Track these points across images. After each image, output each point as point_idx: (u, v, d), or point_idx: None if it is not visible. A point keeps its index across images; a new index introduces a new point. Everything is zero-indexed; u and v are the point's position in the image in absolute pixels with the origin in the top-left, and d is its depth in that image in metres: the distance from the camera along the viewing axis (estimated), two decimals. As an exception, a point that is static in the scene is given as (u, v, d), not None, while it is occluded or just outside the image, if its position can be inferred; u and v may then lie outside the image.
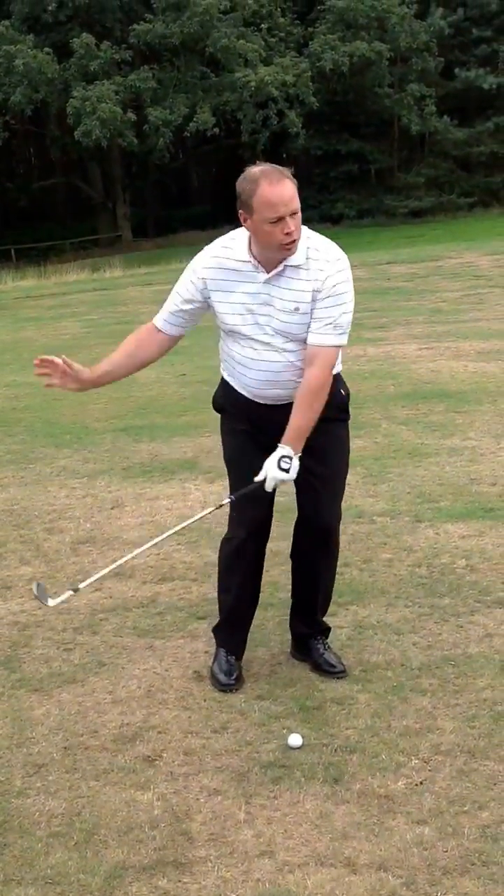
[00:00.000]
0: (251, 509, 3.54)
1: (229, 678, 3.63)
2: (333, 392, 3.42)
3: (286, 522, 3.81)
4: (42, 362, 3.48)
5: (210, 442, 7.38)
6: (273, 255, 3.26)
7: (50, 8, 39.08)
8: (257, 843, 2.75)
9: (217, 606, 3.84)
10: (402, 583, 4.47)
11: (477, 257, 22.04)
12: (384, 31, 40.62)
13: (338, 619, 3.94)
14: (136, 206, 47.57)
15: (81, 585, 3.51)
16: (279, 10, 42.60)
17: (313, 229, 3.41)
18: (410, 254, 24.71)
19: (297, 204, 3.18)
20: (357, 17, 40.35)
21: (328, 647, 3.76)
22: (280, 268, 3.28)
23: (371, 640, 3.92)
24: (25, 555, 5.27)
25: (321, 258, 3.28)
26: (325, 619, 3.81)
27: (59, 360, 3.46)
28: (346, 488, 3.77)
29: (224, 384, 3.63)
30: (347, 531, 3.81)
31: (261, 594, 3.82)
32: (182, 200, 51.12)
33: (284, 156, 41.06)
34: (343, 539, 3.84)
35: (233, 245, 3.36)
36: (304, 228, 3.30)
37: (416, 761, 3.08)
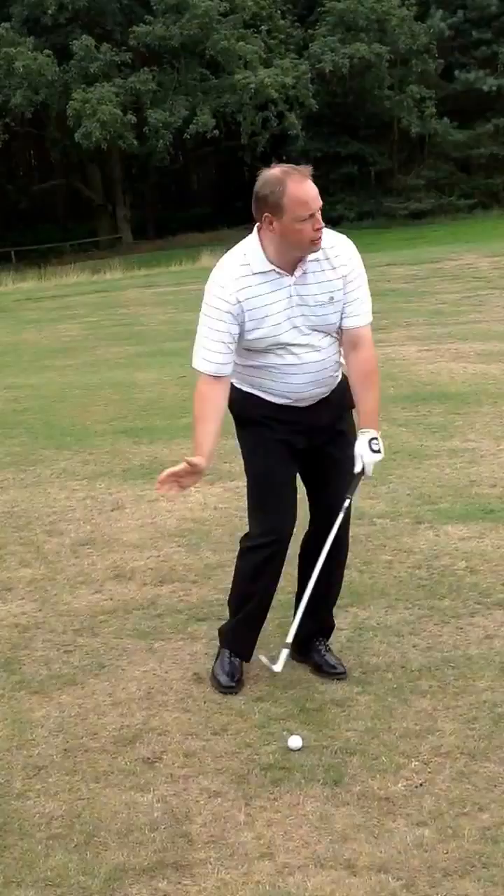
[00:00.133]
0: (284, 515, 3.51)
1: (231, 680, 3.63)
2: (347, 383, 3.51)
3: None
4: (169, 477, 3.29)
5: (210, 444, 7.38)
6: (300, 254, 3.28)
7: (50, 10, 39.10)
8: (257, 844, 2.75)
9: (217, 608, 3.84)
10: (402, 584, 4.47)
11: (477, 259, 22.06)
12: (384, 33, 40.64)
13: (338, 620, 3.94)
14: (136, 207, 47.60)
15: (288, 639, 3.46)
16: (279, 12, 42.64)
17: None
18: (410, 255, 24.73)
19: (320, 199, 3.23)
20: (357, 19, 40.38)
21: (329, 648, 3.76)
22: (304, 265, 3.30)
23: (371, 642, 3.92)
24: (25, 556, 5.27)
25: (337, 245, 3.36)
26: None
27: (182, 466, 3.28)
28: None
29: (249, 397, 3.51)
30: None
31: None
32: (182, 202, 51.13)
33: (284, 158, 41.03)
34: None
35: (248, 259, 3.31)
36: None
37: (417, 763, 3.08)
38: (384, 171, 44.24)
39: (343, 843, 2.73)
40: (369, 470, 3.43)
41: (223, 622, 3.85)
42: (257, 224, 3.34)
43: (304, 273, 3.31)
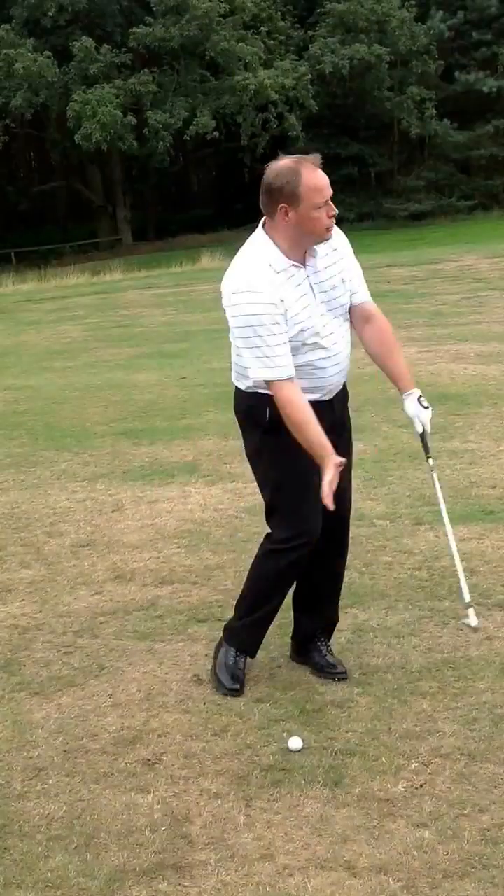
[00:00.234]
0: (316, 517, 3.48)
1: (235, 682, 3.61)
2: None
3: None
4: (333, 492, 3.23)
5: (210, 445, 7.39)
6: (316, 242, 3.32)
7: (50, 12, 39.12)
8: (257, 846, 2.75)
9: (217, 610, 3.83)
10: (402, 586, 4.47)
11: (477, 260, 22.05)
12: (384, 35, 40.66)
13: (338, 622, 3.94)
14: (136, 209, 47.61)
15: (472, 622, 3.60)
16: (279, 13, 42.68)
17: None
18: (410, 257, 24.73)
19: (330, 187, 3.29)
20: (357, 20, 40.41)
21: (329, 649, 3.75)
22: (312, 255, 3.34)
23: (371, 644, 3.92)
24: (26, 558, 5.28)
25: None
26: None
27: (334, 473, 3.25)
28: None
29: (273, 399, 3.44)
30: (347, 534, 3.81)
31: None
32: (182, 204, 51.18)
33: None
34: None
35: (269, 259, 3.28)
36: None
37: (417, 764, 3.08)
38: (384, 173, 44.26)
39: (343, 844, 2.73)
40: (428, 426, 3.58)
41: (223, 623, 3.85)
42: (263, 222, 3.34)
43: (315, 262, 3.35)
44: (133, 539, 5.43)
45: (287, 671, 3.76)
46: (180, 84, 40.59)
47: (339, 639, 3.92)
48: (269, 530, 3.62)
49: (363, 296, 3.50)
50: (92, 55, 39.07)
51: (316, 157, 3.28)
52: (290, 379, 3.28)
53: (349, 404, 3.70)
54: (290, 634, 3.85)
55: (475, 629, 3.73)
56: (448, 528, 3.63)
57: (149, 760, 3.23)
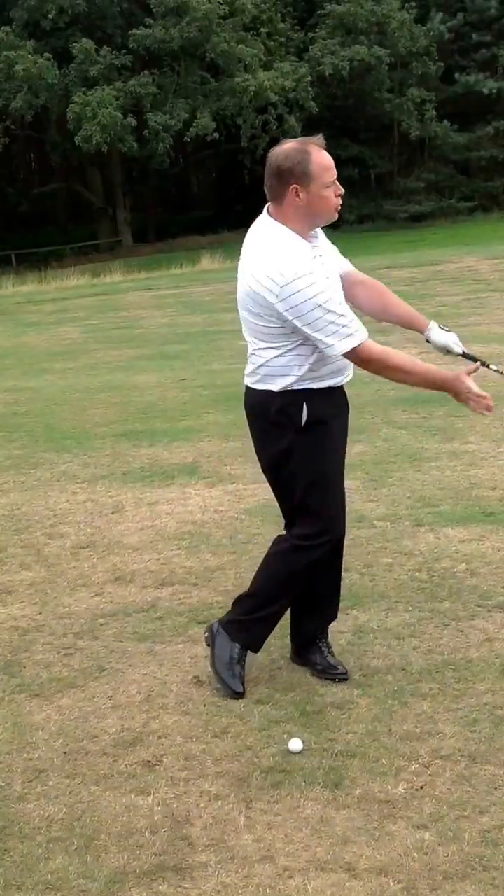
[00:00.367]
0: (343, 513, 3.56)
1: (241, 685, 3.59)
2: None
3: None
4: (480, 396, 3.40)
5: (210, 447, 7.39)
6: (325, 222, 3.37)
7: (50, 15, 39.16)
8: (257, 848, 2.75)
9: (218, 611, 3.83)
10: (403, 587, 4.47)
11: (477, 262, 22.06)
12: (384, 36, 40.72)
13: (338, 623, 3.94)
14: (136, 210, 47.65)
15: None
16: (279, 15, 42.73)
17: None
18: (410, 258, 24.73)
19: None
20: (357, 21, 40.46)
21: (330, 650, 3.75)
22: (314, 236, 3.39)
23: (371, 645, 3.92)
24: (26, 560, 5.27)
25: None
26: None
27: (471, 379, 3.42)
28: (346, 492, 3.77)
29: (317, 394, 3.42)
30: (348, 536, 3.80)
31: None
32: (182, 205, 51.22)
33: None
34: (344, 543, 3.84)
35: (298, 239, 3.29)
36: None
37: (417, 766, 3.08)
38: (384, 174, 44.30)
39: (343, 845, 2.73)
40: (461, 345, 3.66)
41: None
42: (267, 211, 3.34)
43: (317, 242, 3.40)
44: (133, 541, 5.43)
45: (287, 673, 3.76)
46: (180, 86, 40.63)
47: (340, 640, 3.92)
48: (277, 531, 3.62)
49: (350, 265, 3.59)
50: (92, 57, 39.11)
51: (320, 139, 3.33)
52: (368, 338, 3.30)
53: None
54: (290, 636, 3.84)
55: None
56: None
57: (149, 762, 3.23)
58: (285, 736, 3.28)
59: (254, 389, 3.48)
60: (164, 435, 7.98)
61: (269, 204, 3.36)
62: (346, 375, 3.49)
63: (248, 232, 3.45)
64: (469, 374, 3.36)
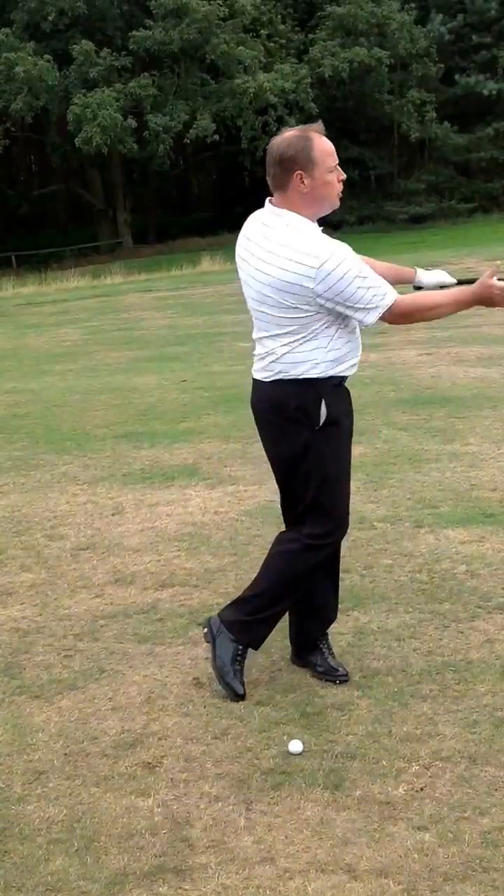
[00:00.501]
0: (348, 510, 3.59)
1: (243, 687, 3.59)
2: None
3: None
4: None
5: (210, 448, 7.39)
6: (329, 209, 3.37)
7: (50, 16, 39.19)
8: (258, 849, 2.75)
9: (216, 612, 3.82)
10: (403, 588, 4.47)
11: (477, 263, 22.04)
12: (384, 38, 40.75)
13: (338, 625, 3.94)
14: (136, 212, 47.68)
15: None
16: (279, 16, 42.77)
17: None
18: (411, 260, 24.71)
19: None
20: (357, 23, 40.48)
21: (331, 651, 3.75)
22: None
23: (372, 646, 3.92)
24: (26, 561, 5.28)
25: None
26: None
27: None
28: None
29: (336, 388, 3.42)
30: (348, 537, 3.81)
31: None
32: (182, 207, 51.22)
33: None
34: (343, 545, 3.84)
35: (311, 222, 3.31)
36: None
37: (417, 767, 3.08)
38: (384, 176, 44.30)
39: (344, 847, 2.73)
40: (451, 276, 3.65)
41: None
42: (272, 202, 3.33)
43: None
44: (133, 542, 5.43)
45: (287, 674, 3.76)
46: (180, 87, 40.67)
47: (340, 642, 3.92)
48: (277, 532, 3.62)
49: None
50: (92, 59, 39.15)
51: (319, 125, 3.35)
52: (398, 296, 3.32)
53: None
54: (290, 637, 3.84)
55: None
56: None
57: (149, 764, 3.23)
58: (285, 737, 3.28)
59: (268, 384, 3.43)
60: (165, 436, 7.98)
61: (270, 197, 3.35)
62: (355, 361, 3.47)
63: (247, 226, 3.41)
64: (491, 277, 3.30)
